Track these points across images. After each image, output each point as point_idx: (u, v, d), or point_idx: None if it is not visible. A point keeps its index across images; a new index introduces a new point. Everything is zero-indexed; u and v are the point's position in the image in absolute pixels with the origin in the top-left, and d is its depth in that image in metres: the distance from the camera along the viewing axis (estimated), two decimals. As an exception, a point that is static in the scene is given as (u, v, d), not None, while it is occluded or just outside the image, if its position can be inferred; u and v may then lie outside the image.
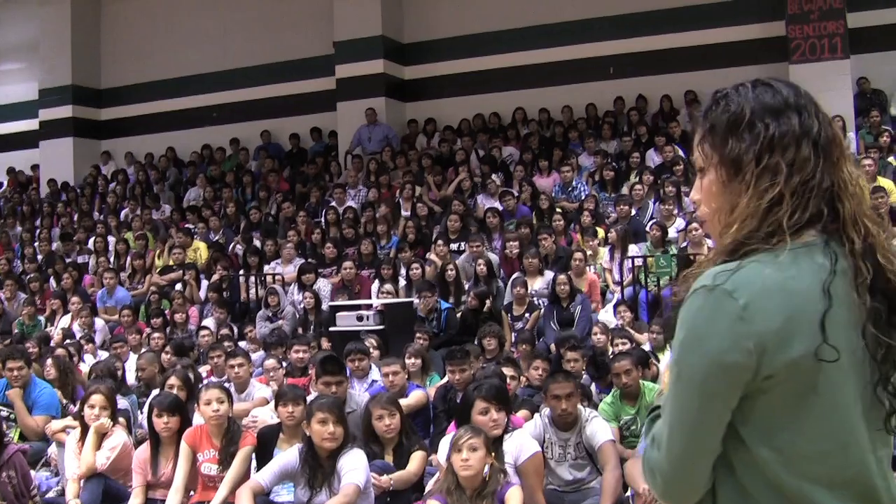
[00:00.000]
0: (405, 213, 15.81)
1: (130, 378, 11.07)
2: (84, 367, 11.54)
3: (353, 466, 6.25)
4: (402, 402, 7.92)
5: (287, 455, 6.57)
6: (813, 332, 1.90)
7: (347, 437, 6.49)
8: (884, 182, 13.04)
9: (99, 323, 13.93)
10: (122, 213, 18.97)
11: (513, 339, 11.40)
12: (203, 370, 10.60)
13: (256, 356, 11.43)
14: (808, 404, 1.94)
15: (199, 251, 15.89)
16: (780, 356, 1.90)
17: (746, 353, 1.90)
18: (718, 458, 2.00)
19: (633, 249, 12.78)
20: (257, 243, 15.69)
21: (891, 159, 14.33)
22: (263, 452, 7.17)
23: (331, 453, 6.35)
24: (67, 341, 12.70)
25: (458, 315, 12.23)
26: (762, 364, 1.91)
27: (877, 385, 1.97)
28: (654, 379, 8.61)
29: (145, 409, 8.23)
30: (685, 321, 1.99)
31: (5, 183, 23.07)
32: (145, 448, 7.43)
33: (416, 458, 7.01)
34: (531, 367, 9.47)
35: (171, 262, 15.68)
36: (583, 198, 14.84)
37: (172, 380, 8.55)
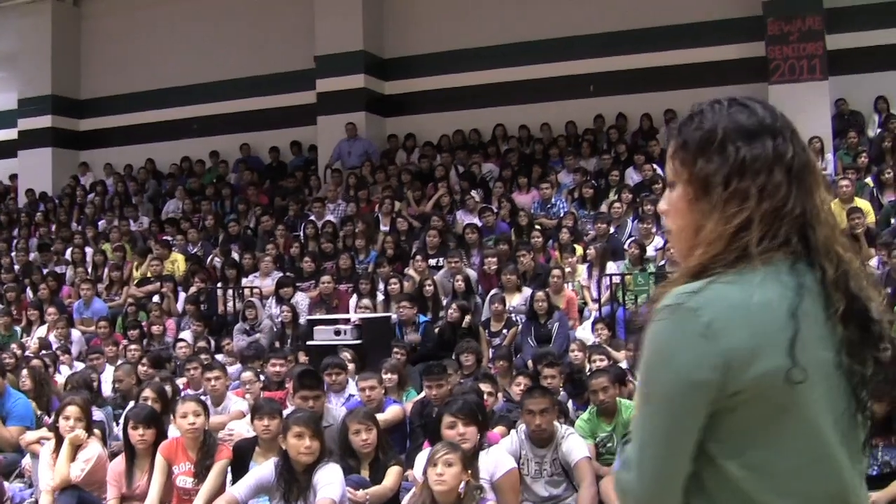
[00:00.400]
0: (384, 227, 15.80)
1: (106, 390, 11.02)
2: (60, 379, 11.49)
3: (329, 481, 6.24)
4: (379, 416, 7.92)
5: (263, 469, 6.55)
6: (780, 351, 1.89)
7: (324, 452, 6.48)
8: (860, 203, 13.11)
9: (75, 334, 13.87)
10: (100, 224, 18.90)
11: (490, 354, 11.39)
12: (180, 383, 10.57)
13: (233, 369, 11.41)
14: (780, 421, 1.93)
15: (177, 263, 15.85)
16: (747, 373, 1.90)
17: (711, 370, 1.90)
18: (690, 476, 1.99)
19: (612, 267, 12.83)
20: (235, 256, 15.66)
21: (868, 180, 14.40)
22: (239, 466, 7.15)
23: (307, 467, 6.33)
24: (43, 352, 12.65)
25: (437, 330, 12.23)
26: (728, 381, 1.90)
27: (855, 412, 1.99)
28: (631, 396, 8.62)
29: (121, 421, 8.20)
30: (650, 341, 1.99)
31: (-17, 192, 22.97)
32: (120, 460, 7.39)
33: (392, 473, 7.00)
34: (513, 382, 9.49)
35: (148, 274, 15.63)
36: (562, 215, 14.87)
37: (147, 392, 8.52)
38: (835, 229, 2.06)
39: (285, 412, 7.38)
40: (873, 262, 12.14)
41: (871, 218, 12.95)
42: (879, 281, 11.26)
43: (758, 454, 1.95)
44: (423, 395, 9.06)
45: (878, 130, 16.28)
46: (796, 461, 1.95)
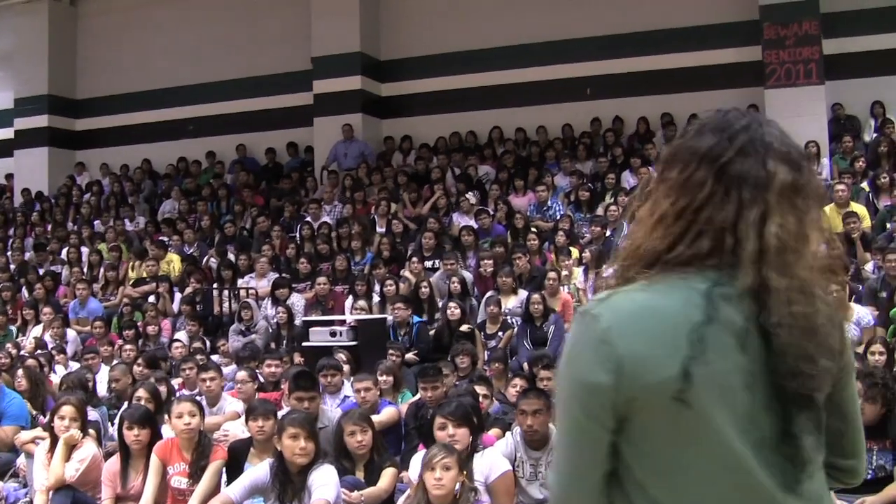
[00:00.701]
0: (380, 229, 15.80)
1: (101, 390, 11.01)
2: (55, 378, 11.47)
3: (324, 482, 6.23)
4: (374, 418, 7.93)
5: (258, 470, 6.55)
6: (674, 364, 1.89)
7: (319, 453, 6.47)
8: (856, 208, 13.14)
9: (71, 334, 13.88)
10: (96, 225, 18.89)
11: (486, 357, 11.40)
12: (175, 383, 10.57)
13: (228, 370, 11.41)
14: (677, 435, 1.93)
15: (173, 264, 15.84)
16: (639, 381, 1.91)
17: (605, 374, 1.93)
18: (614, 477, 2.02)
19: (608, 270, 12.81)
20: (231, 257, 15.66)
21: (864, 185, 14.44)
22: (234, 466, 7.15)
23: (301, 468, 6.32)
24: (39, 352, 12.63)
25: (432, 332, 12.23)
26: (622, 386, 1.92)
27: (784, 432, 1.95)
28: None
29: (116, 421, 8.20)
30: (565, 347, 2.06)
31: (-21, 192, 22.95)
32: (115, 460, 7.38)
33: (387, 475, 7.00)
34: (509, 385, 9.50)
35: (144, 274, 15.63)
36: (558, 218, 14.88)
37: (141, 392, 8.53)
38: (786, 254, 1.97)
39: (280, 413, 7.38)
40: (869, 266, 12.18)
41: (866, 223, 12.98)
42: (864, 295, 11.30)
43: (661, 463, 1.96)
44: (418, 396, 9.07)
45: (874, 135, 16.33)
46: (699, 475, 1.94)
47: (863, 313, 10.77)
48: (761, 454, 1.91)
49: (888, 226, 12.82)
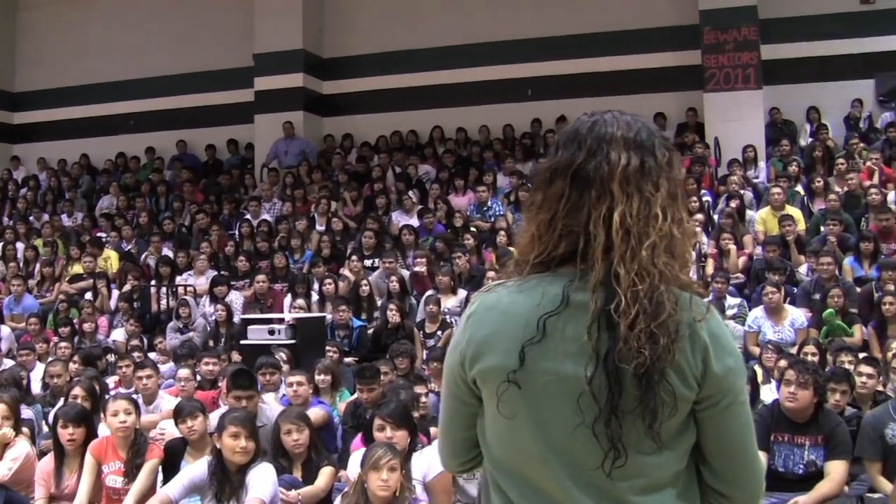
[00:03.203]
0: (320, 227, 15.77)
1: (36, 388, 10.91)
2: (-12, 376, 11.35)
3: (261, 481, 6.22)
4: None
5: (195, 468, 6.50)
6: (506, 354, 2.08)
7: (258, 452, 6.46)
8: (791, 210, 13.32)
9: (5, 330, 13.67)
10: (32, 220, 18.67)
11: (424, 356, 11.43)
12: (111, 381, 10.49)
13: (166, 368, 11.34)
14: (502, 416, 2.13)
15: (110, 261, 15.70)
16: (476, 365, 2.15)
17: (458, 354, 2.20)
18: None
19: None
20: (170, 254, 15.56)
21: (799, 188, 14.63)
22: (170, 465, 7.11)
23: (240, 467, 6.30)
24: (-28, 348, 12.50)
25: (370, 332, 12.24)
26: (465, 368, 2.18)
27: (594, 423, 2.03)
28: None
29: (50, 419, 8.13)
30: None
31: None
32: (49, 459, 7.30)
33: (325, 474, 7.00)
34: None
35: (80, 271, 15.47)
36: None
37: (77, 390, 8.44)
38: (634, 240, 2.06)
39: (219, 412, 7.36)
40: (803, 268, 12.36)
41: (801, 226, 13.16)
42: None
43: (491, 441, 2.21)
44: (356, 396, 9.08)
45: (810, 140, 16.57)
46: (515, 461, 2.15)
47: (797, 315, 10.94)
48: (567, 440, 2.06)
49: (822, 229, 13.00)
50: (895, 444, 6.78)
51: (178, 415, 7.31)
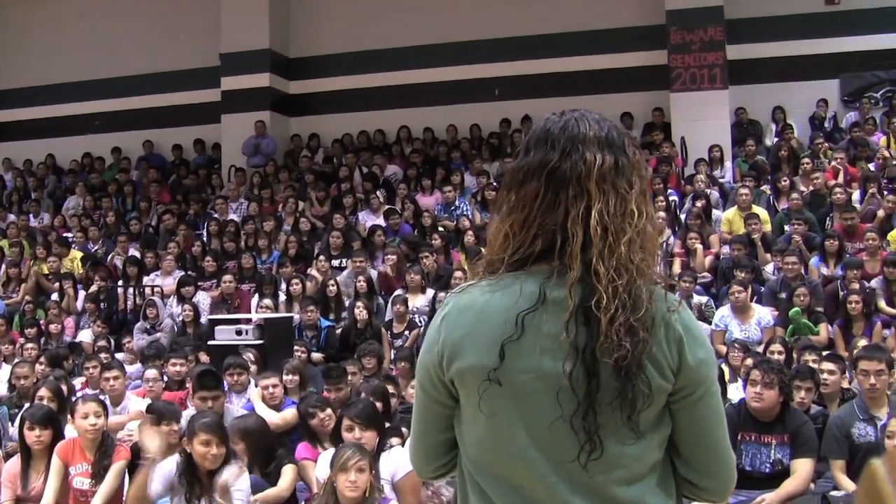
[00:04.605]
0: (287, 227, 15.74)
1: (1, 389, 10.84)
2: (-47, 378, 11.28)
3: (239, 491, 6.19)
4: (276, 417, 8.05)
5: (165, 468, 6.41)
6: (484, 353, 2.11)
7: (229, 455, 6.42)
8: (757, 210, 13.40)
9: (-30, 332, 13.59)
10: (-2, 220, 18.55)
11: (392, 356, 11.43)
12: (77, 382, 10.43)
13: (133, 369, 11.29)
14: (490, 410, 2.14)
15: (76, 261, 15.62)
16: (453, 365, 2.17)
17: (434, 355, 2.22)
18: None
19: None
20: (137, 254, 15.48)
21: (765, 188, 14.71)
22: (137, 466, 7.06)
23: (211, 470, 6.25)
24: (-63, 350, 12.39)
25: (338, 332, 12.23)
26: (442, 368, 2.20)
27: (573, 416, 2.07)
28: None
29: (16, 421, 8.07)
30: None
31: None
32: (15, 461, 7.24)
33: (288, 472, 6.94)
34: (410, 385, 9.51)
35: (46, 271, 15.37)
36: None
37: (43, 391, 8.40)
38: (608, 231, 2.11)
39: (187, 413, 7.32)
40: (769, 267, 12.44)
41: (767, 226, 13.24)
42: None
43: (469, 442, 2.23)
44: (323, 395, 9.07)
45: (775, 140, 16.66)
46: (494, 460, 2.17)
47: (763, 314, 11.00)
48: (548, 435, 2.09)
49: (786, 228, 13.09)
50: (862, 443, 6.83)
51: (161, 416, 7.23)
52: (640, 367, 2.04)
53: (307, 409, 7.72)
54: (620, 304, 2.04)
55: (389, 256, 13.34)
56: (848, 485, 6.56)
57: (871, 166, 14.62)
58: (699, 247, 12.78)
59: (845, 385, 8.62)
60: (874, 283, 11.49)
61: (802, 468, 6.67)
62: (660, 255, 2.28)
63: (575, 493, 2.09)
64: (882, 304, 11.21)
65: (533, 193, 2.16)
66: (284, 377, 9.27)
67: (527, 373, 2.08)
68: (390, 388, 8.82)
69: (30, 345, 12.24)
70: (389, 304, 12.43)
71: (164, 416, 7.23)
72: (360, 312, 11.97)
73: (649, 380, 2.05)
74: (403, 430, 7.92)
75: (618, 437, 2.08)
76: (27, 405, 8.68)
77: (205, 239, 15.75)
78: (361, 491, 5.74)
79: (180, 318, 13.05)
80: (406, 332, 11.97)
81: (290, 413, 8.52)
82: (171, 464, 6.37)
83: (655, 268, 2.16)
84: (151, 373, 9.78)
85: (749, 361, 8.54)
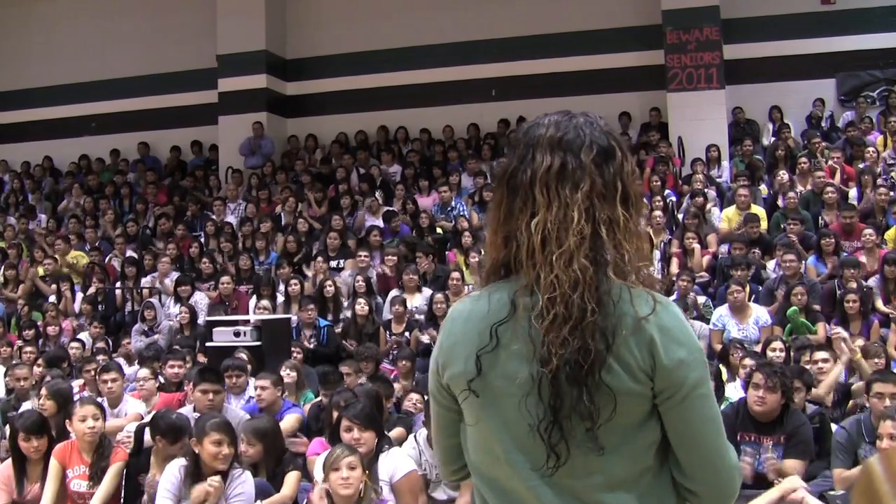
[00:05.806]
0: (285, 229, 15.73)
1: (-1, 391, 10.84)
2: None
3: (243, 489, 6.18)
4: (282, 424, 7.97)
5: (168, 476, 6.33)
6: (464, 361, 2.17)
7: (237, 457, 6.41)
8: (756, 210, 13.40)
9: (-32, 334, 13.58)
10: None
11: (391, 356, 11.44)
12: (76, 384, 10.42)
13: (131, 371, 11.28)
14: (473, 420, 2.23)
15: (78, 260, 15.60)
16: (446, 371, 2.25)
17: (434, 364, 2.30)
18: None
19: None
20: (134, 256, 15.46)
21: (762, 187, 14.72)
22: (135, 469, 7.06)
23: (217, 472, 6.21)
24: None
25: (338, 331, 12.23)
26: (440, 375, 2.28)
27: (539, 424, 2.08)
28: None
29: (7, 427, 8.02)
30: None
31: None
32: (8, 464, 7.19)
33: (291, 480, 6.92)
34: (405, 388, 9.53)
35: (42, 273, 15.35)
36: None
37: (43, 392, 8.37)
38: (547, 241, 2.10)
39: (181, 410, 7.31)
40: (771, 265, 12.42)
41: (764, 225, 13.23)
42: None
43: (468, 444, 2.30)
44: (320, 398, 9.06)
45: (772, 139, 16.65)
46: (485, 464, 2.23)
47: (761, 313, 11.00)
48: (527, 439, 2.10)
49: (783, 227, 13.09)
50: (867, 462, 6.78)
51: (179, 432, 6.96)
52: (592, 377, 2.02)
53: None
54: (556, 314, 2.03)
55: (389, 258, 13.33)
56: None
57: (862, 165, 14.59)
58: (697, 246, 12.78)
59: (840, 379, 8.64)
60: (871, 281, 11.50)
61: (793, 468, 6.63)
62: (647, 255, 2.26)
63: (558, 496, 2.10)
64: (879, 303, 11.22)
65: (497, 201, 2.20)
66: (282, 372, 9.25)
67: (504, 378, 2.12)
68: (389, 390, 8.83)
69: (28, 347, 12.21)
70: (387, 305, 12.43)
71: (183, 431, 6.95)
72: (362, 308, 11.98)
73: (611, 388, 2.03)
74: (402, 430, 7.97)
75: (587, 445, 2.06)
76: (24, 406, 8.66)
77: (202, 240, 15.72)
78: (355, 488, 5.73)
79: (177, 319, 13.03)
80: (406, 333, 11.97)
81: (288, 423, 8.44)
82: (174, 470, 6.32)
83: (639, 269, 2.14)
84: (143, 372, 9.76)
85: (748, 361, 8.54)
